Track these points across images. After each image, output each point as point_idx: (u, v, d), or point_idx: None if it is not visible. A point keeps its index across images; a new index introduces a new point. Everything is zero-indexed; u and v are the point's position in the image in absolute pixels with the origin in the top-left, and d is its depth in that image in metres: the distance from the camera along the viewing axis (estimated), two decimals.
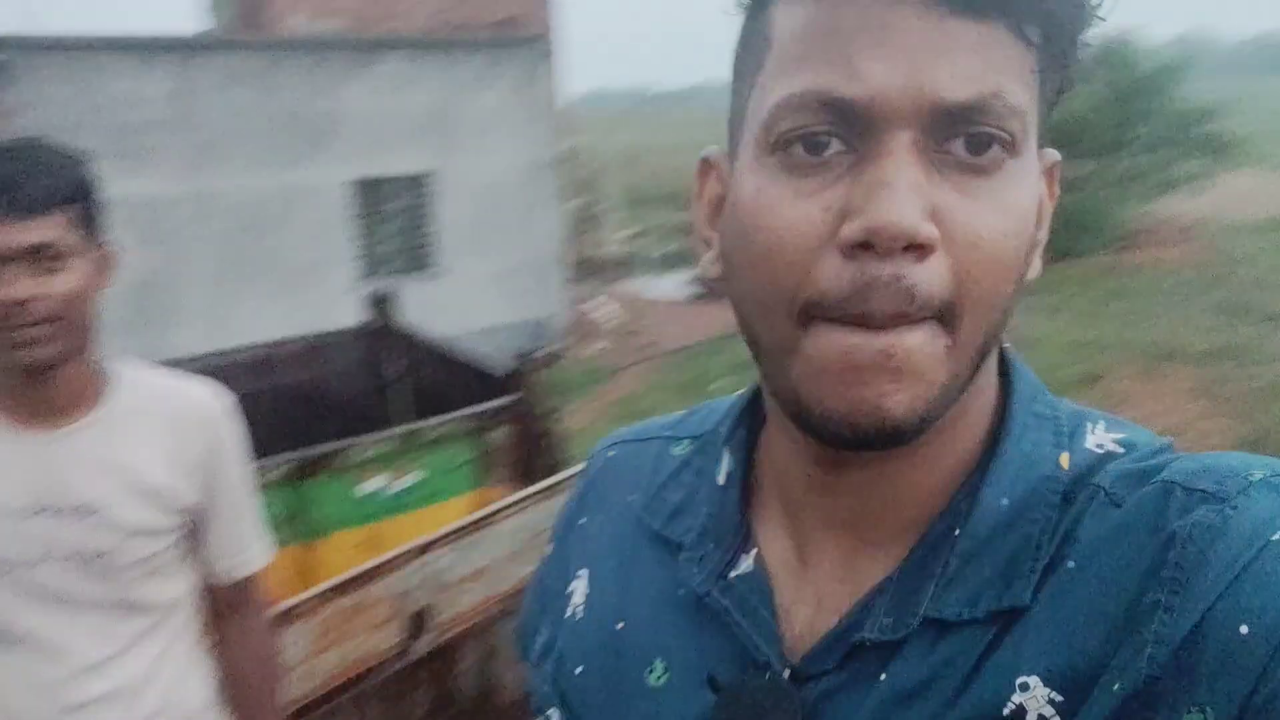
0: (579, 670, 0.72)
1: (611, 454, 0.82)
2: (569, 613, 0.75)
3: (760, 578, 0.66)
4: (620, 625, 0.71)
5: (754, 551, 0.67)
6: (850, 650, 0.61)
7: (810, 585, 0.65)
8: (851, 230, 0.54)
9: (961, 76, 0.54)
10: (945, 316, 0.55)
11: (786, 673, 0.62)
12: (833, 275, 0.55)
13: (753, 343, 0.61)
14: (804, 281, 0.56)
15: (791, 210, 0.56)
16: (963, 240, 0.55)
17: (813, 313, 0.56)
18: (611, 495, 0.78)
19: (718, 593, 0.66)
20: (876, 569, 0.63)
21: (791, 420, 0.60)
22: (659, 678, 0.67)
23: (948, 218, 0.55)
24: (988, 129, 0.55)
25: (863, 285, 0.54)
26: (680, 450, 0.76)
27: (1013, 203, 0.57)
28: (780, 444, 0.67)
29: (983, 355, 0.59)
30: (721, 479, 0.71)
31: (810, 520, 0.66)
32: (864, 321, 0.55)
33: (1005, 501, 0.60)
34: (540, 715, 0.75)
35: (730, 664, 0.65)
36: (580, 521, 0.79)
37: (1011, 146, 0.56)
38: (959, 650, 0.58)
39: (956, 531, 0.61)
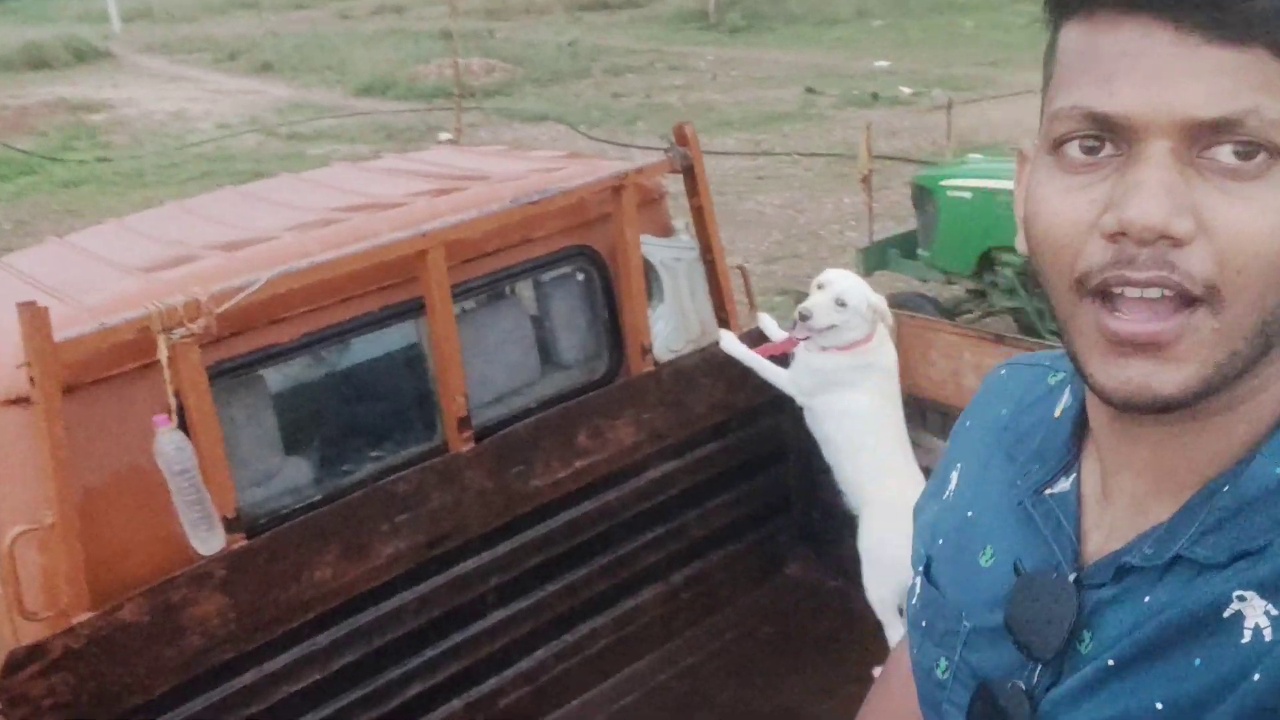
0: (940, 542, 0.90)
1: (1003, 373, 0.96)
2: (945, 495, 0.93)
3: (1069, 500, 0.79)
4: (970, 514, 0.87)
5: (1073, 477, 0.80)
6: (1119, 571, 0.73)
7: (1108, 515, 0.77)
8: (1108, 221, 0.65)
9: (1213, 96, 0.63)
10: (1211, 300, 0.64)
11: (1071, 576, 0.75)
12: (1097, 253, 0.66)
13: (1051, 312, 0.73)
14: (1075, 260, 0.67)
15: (1062, 203, 0.68)
16: (1224, 233, 0.63)
17: (1083, 285, 0.67)
18: (991, 406, 0.93)
19: (1030, 504, 0.81)
20: (1161, 512, 0.73)
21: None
22: (987, 560, 0.83)
23: (1209, 214, 0.64)
24: (1248, 139, 0.63)
25: (1124, 258, 0.65)
26: (1053, 380, 0.88)
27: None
28: (1093, 399, 0.77)
29: (1266, 338, 0.66)
30: (1057, 413, 0.84)
31: (1112, 462, 0.77)
32: (1124, 286, 0.65)
33: (1277, 471, 0.69)
34: (917, 568, 0.93)
35: (1035, 561, 0.78)
36: (967, 424, 0.96)
37: (1278, 152, 0.63)
38: (1205, 589, 0.68)
39: (1226, 489, 0.70)
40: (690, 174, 2.84)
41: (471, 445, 2.59)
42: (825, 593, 3.26)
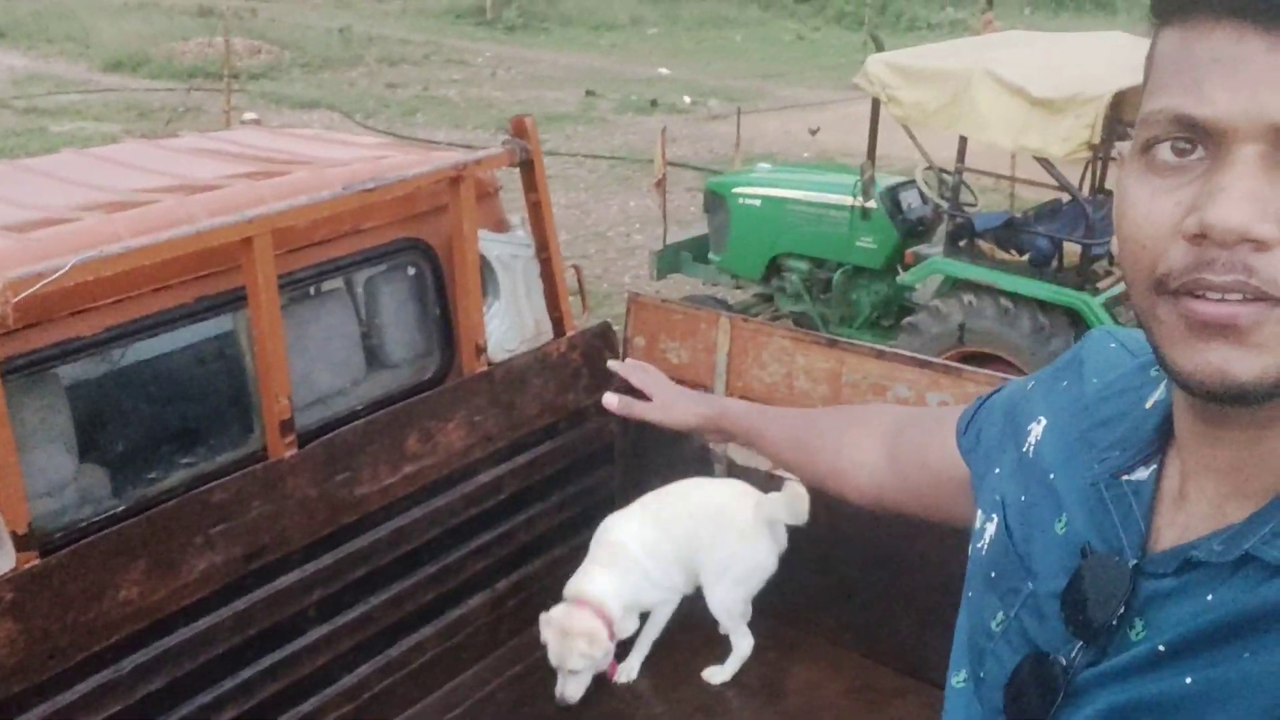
0: (1023, 498, 0.90)
1: (1111, 345, 0.94)
2: (1025, 447, 0.93)
3: (1145, 489, 0.80)
4: (1052, 477, 0.87)
5: (1153, 469, 0.80)
6: (1184, 564, 0.73)
7: (1182, 515, 0.77)
8: (1190, 223, 0.66)
9: None
10: None
11: (1132, 563, 0.76)
12: (1178, 255, 0.67)
13: (1133, 309, 0.73)
14: (1156, 261, 0.68)
15: (1148, 205, 0.69)
16: None
17: (1163, 286, 0.68)
18: (1086, 372, 0.92)
19: (1104, 486, 0.82)
20: (1238, 516, 0.72)
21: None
22: (1062, 528, 0.84)
23: None
24: None
25: (1203, 261, 0.65)
26: (1155, 372, 0.86)
27: None
28: (1178, 398, 0.78)
29: None
30: (1149, 403, 0.84)
31: (1193, 464, 0.77)
32: (1204, 290, 0.66)
33: None
34: (985, 515, 0.94)
35: (1101, 543, 0.79)
36: (1062, 384, 0.95)
37: None
38: (1270, 592, 0.68)
39: None
40: (529, 168, 2.75)
41: (294, 451, 2.41)
42: None
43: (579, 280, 3.00)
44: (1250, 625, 0.68)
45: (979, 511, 0.97)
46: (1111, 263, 5.64)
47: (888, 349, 2.75)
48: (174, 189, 2.41)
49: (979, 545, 0.94)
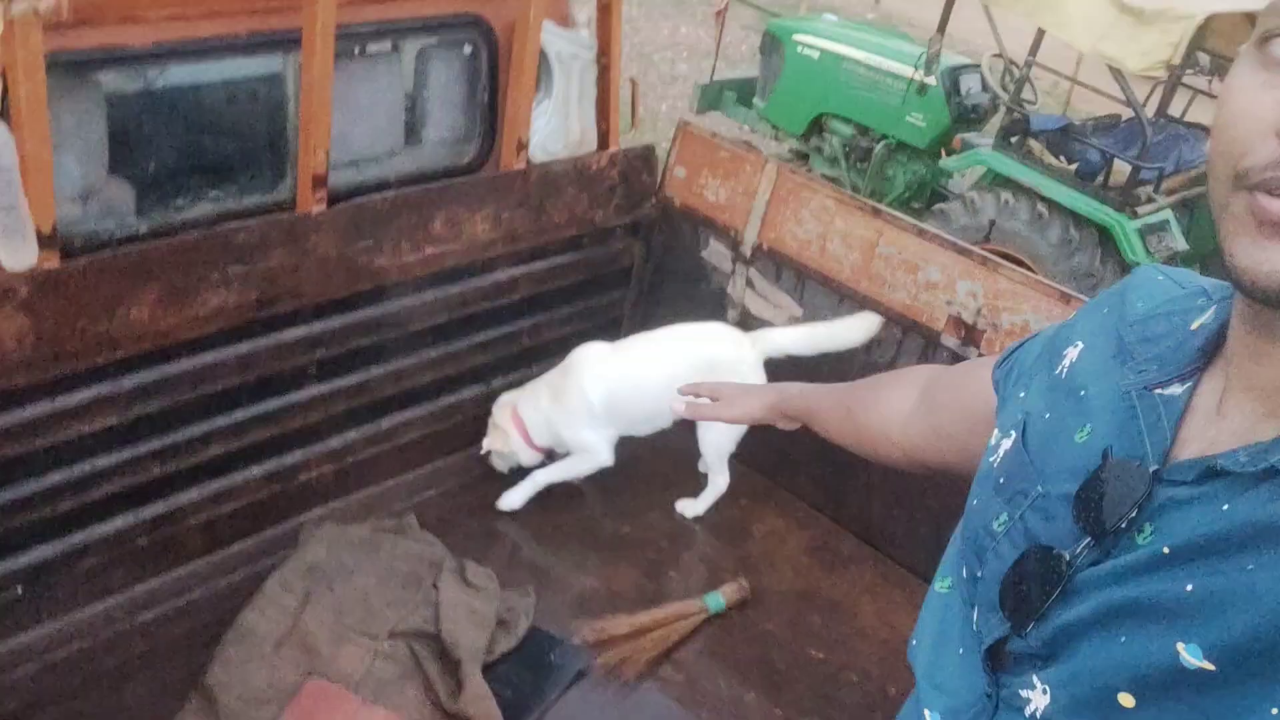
0: (1047, 414, 0.90)
1: (1158, 277, 0.94)
2: (1058, 369, 0.93)
3: (1177, 403, 0.79)
4: (1083, 393, 0.88)
5: (1188, 386, 0.80)
6: (1205, 472, 0.72)
7: (1213, 429, 0.76)
8: None
9: None
10: None
11: (1152, 469, 0.76)
12: (1266, 151, 0.66)
13: (1210, 201, 0.72)
14: (1242, 155, 0.67)
15: (1248, 96, 0.67)
16: None
17: (1243, 179, 0.67)
18: (1130, 299, 0.92)
19: (1136, 395, 0.82)
20: (1271, 435, 0.72)
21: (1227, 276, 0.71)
22: (1082, 436, 0.84)
23: None
24: None
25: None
26: (1202, 301, 0.86)
27: None
28: (1236, 307, 0.78)
29: None
30: (1194, 325, 0.83)
31: (1235, 379, 0.76)
32: None
33: None
34: (1002, 433, 0.94)
35: (1125, 450, 0.79)
36: (1103, 310, 0.94)
37: None
38: None
39: None
40: None
41: (323, 208, 2.38)
42: None
43: (634, 95, 2.91)
44: (1261, 536, 0.67)
45: (995, 431, 0.96)
46: (1157, 189, 5.54)
47: (930, 228, 2.71)
48: None
49: (990, 460, 0.94)
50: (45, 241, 1.99)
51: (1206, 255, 5.92)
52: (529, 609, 2.50)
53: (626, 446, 3.02)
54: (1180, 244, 5.33)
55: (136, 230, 2.25)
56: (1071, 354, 0.93)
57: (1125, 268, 5.20)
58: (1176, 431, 0.78)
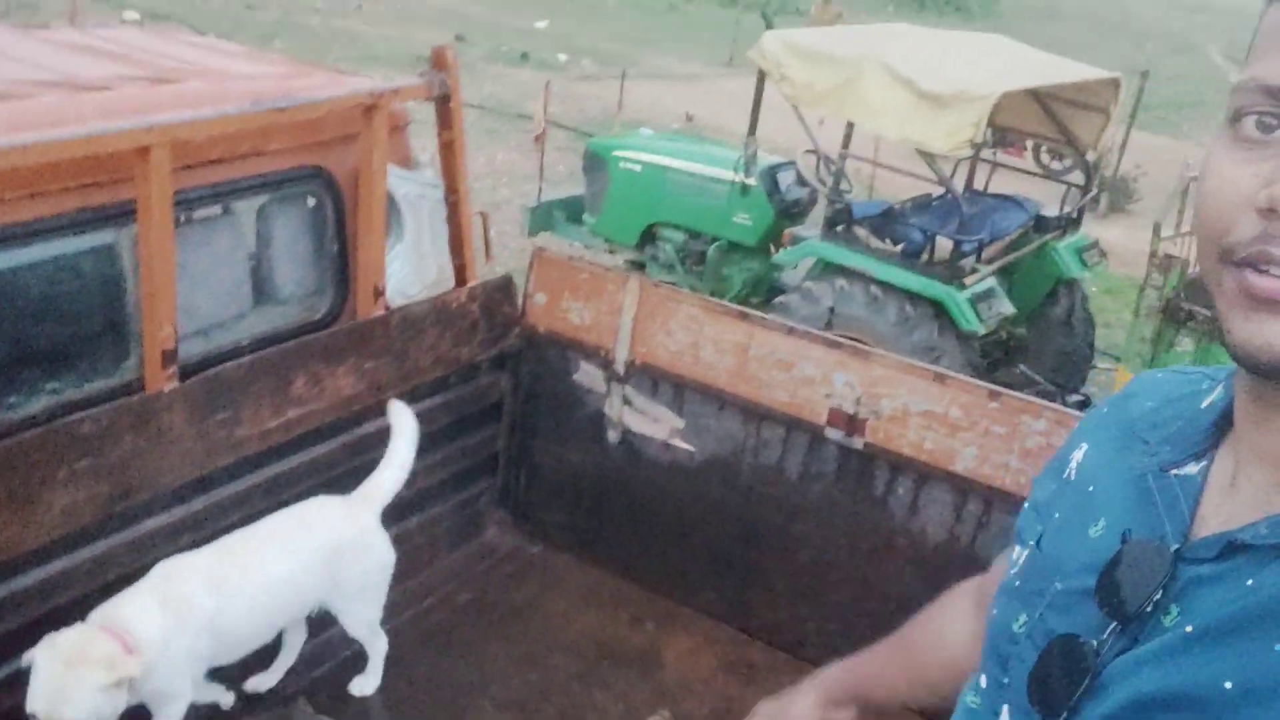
0: (1057, 515, 0.89)
1: (1159, 375, 0.94)
2: (1066, 474, 0.92)
3: (1194, 482, 0.78)
4: (1091, 489, 0.87)
5: (1203, 464, 0.79)
6: (1227, 547, 0.71)
7: (1229, 504, 0.75)
8: (1263, 196, 0.66)
9: None
10: None
11: (1173, 548, 0.74)
12: (1248, 227, 0.67)
13: (1202, 277, 0.74)
14: (1225, 231, 0.68)
15: (1227, 173, 0.69)
16: None
17: (1229, 255, 0.68)
18: (1135, 399, 0.91)
19: (1152, 479, 0.80)
20: None
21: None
22: (1097, 531, 0.82)
23: None
24: None
25: (1269, 235, 0.66)
26: (1207, 385, 0.86)
27: None
28: (1238, 381, 0.78)
29: None
30: (1205, 404, 0.83)
31: (1245, 451, 0.76)
32: (1266, 264, 0.66)
33: None
34: (1020, 549, 0.92)
35: (1144, 532, 0.78)
36: (1104, 410, 0.94)
37: None
38: None
39: None
40: (445, 103, 2.60)
41: (175, 384, 2.22)
42: (524, 558, 3.16)
43: (484, 228, 2.86)
44: None
45: (1012, 555, 0.94)
46: (979, 259, 5.82)
47: (799, 326, 2.73)
48: (55, 85, 2.16)
49: (1011, 572, 0.91)
50: None
51: (1031, 315, 6.23)
52: None
53: (507, 588, 2.90)
54: (1008, 308, 5.59)
55: None
56: (1077, 456, 0.92)
57: (963, 337, 5.42)
58: (1195, 510, 0.77)
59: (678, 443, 2.89)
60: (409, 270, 2.69)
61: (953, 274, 5.57)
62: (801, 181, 6.34)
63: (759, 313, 2.80)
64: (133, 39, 2.71)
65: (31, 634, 2.07)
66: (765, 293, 6.54)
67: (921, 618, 1.26)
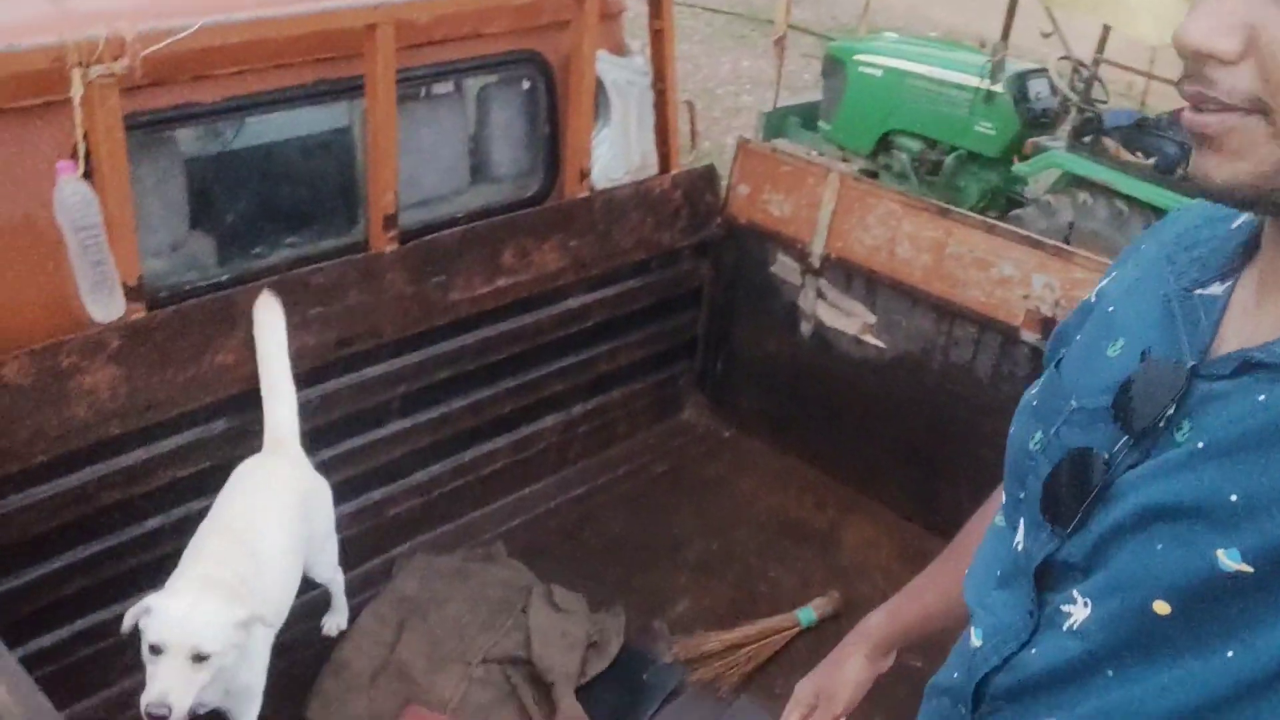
0: (1078, 337, 0.92)
1: (1198, 204, 0.92)
2: (1090, 298, 0.95)
3: (1217, 302, 0.79)
4: (1111, 309, 0.89)
5: (1228, 284, 0.80)
6: (1242, 365, 0.72)
7: (1251, 323, 0.76)
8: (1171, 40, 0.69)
9: None
10: (1264, 111, 0.66)
11: (1189, 365, 0.75)
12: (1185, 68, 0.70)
13: None
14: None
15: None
16: (1266, 49, 0.64)
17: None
18: (1172, 222, 0.92)
19: (1176, 300, 0.81)
20: None
21: None
22: (1115, 350, 0.84)
23: (1261, 32, 0.64)
24: None
25: (1185, 74, 0.69)
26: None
27: None
28: None
29: None
30: (1235, 224, 0.83)
31: (1271, 272, 0.76)
32: (1182, 96, 0.70)
33: None
34: (1049, 364, 0.95)
35: (1164, 351, 0.79)
36: (1141, 246, 0.94)
37: None
38: None
39: None
40: None
41: (395, 246, 2.45)
42: (718, 440, 3.29)
43: (691, 117, 2.94)
44: None
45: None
46: None
47: (999, 224, 2.68)
48: None
49: (1033, 391, 0.94)
50: (131, 294, 2.08)
51: None
52: (620, 629, 2.51)
53: (699, 464, 3.02)
54: None
55: (219, 279, 2.33)
56: (1103, 283, 0.95)
57: None
58: (1216, 330, 0.78)
59: (869, 338, 2.91)
60: (615, 155, 2.82)
61: None
62: (1054, 90, 6.01)
63: (961, 210, 2.75)
64: None
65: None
66: (1004, 205, 6.30)
67: (959, 543, 1.27)
